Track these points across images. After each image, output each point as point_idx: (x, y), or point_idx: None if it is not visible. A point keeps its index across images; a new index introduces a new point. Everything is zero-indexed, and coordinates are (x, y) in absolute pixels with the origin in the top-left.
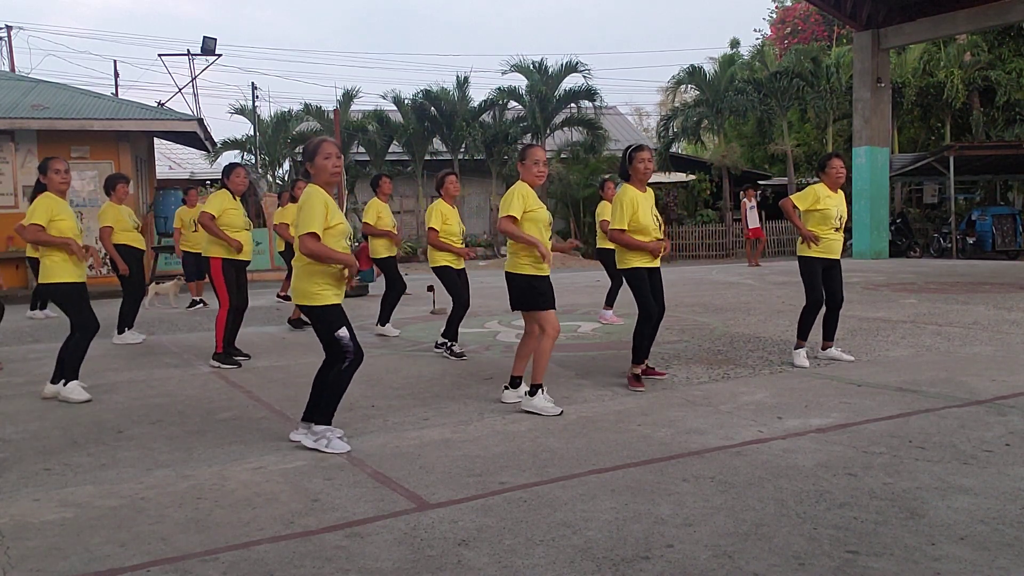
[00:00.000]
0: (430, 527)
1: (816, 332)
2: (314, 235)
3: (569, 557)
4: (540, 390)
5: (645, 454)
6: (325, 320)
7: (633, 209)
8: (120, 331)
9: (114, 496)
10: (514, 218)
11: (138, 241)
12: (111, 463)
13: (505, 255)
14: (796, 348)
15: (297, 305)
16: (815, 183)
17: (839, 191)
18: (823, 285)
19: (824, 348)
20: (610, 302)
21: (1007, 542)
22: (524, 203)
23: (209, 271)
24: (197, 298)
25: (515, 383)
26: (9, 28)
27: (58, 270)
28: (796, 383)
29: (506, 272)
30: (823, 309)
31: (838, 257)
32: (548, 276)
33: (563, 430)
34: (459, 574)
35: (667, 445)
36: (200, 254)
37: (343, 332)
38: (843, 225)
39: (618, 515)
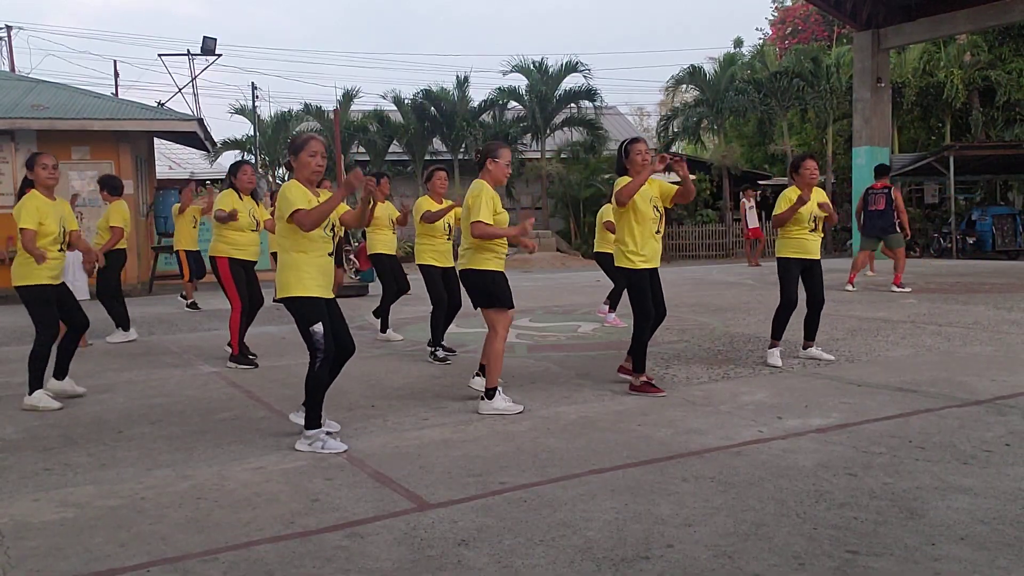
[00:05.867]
0: (430, 527)
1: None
2: (300, 210)
3: (569, 557)
4: (497, 392)
5: (645, 454)
6: (301, 312)
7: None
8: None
9: (114, 496)
10: (484, 224)
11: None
12: (111, 463)
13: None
14: (770, 347)
15: (277, 299)
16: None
17: (816, 190)
18: (805, 285)
19: (805, 348)
20: (613, 304)
21: (1007, 542)
22: (493, 206)
23: (217, 272)
24: (192, 300)
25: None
26: (9, 28)
27: (24, 272)
28: (796, 383)
29: (466, 270)
30: (806, 310)
31: (817, 257)
32: (504, 272)
33: (563, 430)
34: (459, 574)
35: (667, 445)
36: (199, 252)
37: (318, 327)
38: (819, 225)
39: (618, 515)
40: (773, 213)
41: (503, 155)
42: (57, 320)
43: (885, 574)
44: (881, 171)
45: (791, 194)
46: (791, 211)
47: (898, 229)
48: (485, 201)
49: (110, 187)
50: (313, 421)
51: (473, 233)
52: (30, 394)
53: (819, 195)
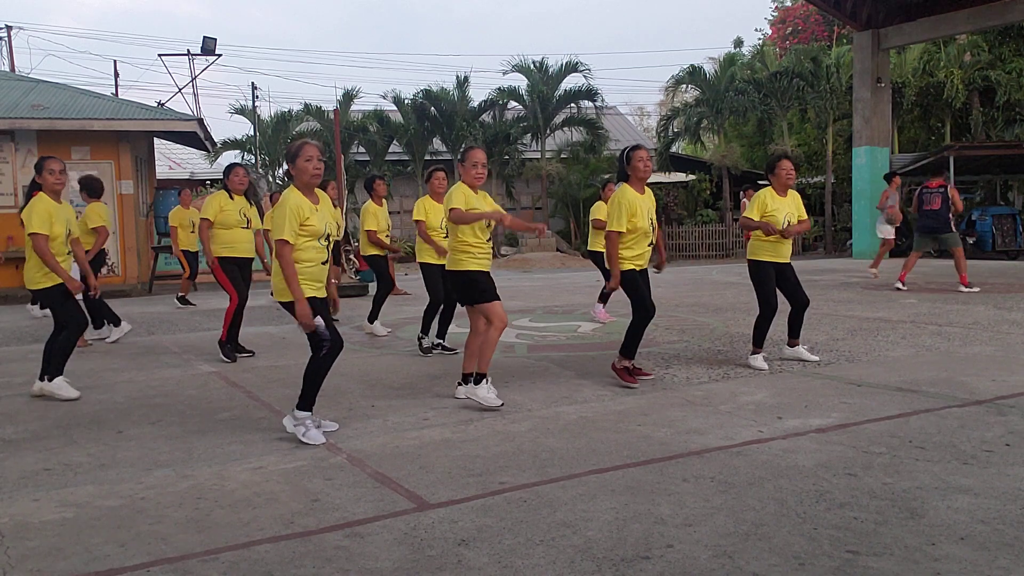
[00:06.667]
0: (430, 527)
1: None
2: (284, 242)
3: (569, 557)
4: (485, 380)
5: (645, 454)
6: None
7: (631, 211)
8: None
9: (114, 496)
10: (459, 209)
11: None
12: (111, 463)
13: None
14: (752, 354)
15: (278, 301)
16: (768, 186)
17: (791, 193)
18: (783, 289)
19: (791, 346)
20: (604, 299)
21: (1007, 542)
22: (466, 200)
23: (212, 271)
24: (184, 295)
25: (467, 380)
26: (9, 28)
27: (40, 277)
28: (796, 383)
29: (449, 271)
30: (789, 310)
31: (787, 260)
32: (488, 271)
33: (563, 430)
34: (459, 574)
35: (667, 445)
36: (197, 253)
37: (318, 320)
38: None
39: (618, 515)
40: (744, 214)
41: (468, 157)
42: (83, 311)
43: (885, 574)
44: (937, 171)
45: (765, 196)
46: (757, 227)
47: (953, 228)
48: (457, 195)
49: (90, 188)
50: (307, 404)
51: (450, 218)
52: (50, 380)
53: (795, 199)
